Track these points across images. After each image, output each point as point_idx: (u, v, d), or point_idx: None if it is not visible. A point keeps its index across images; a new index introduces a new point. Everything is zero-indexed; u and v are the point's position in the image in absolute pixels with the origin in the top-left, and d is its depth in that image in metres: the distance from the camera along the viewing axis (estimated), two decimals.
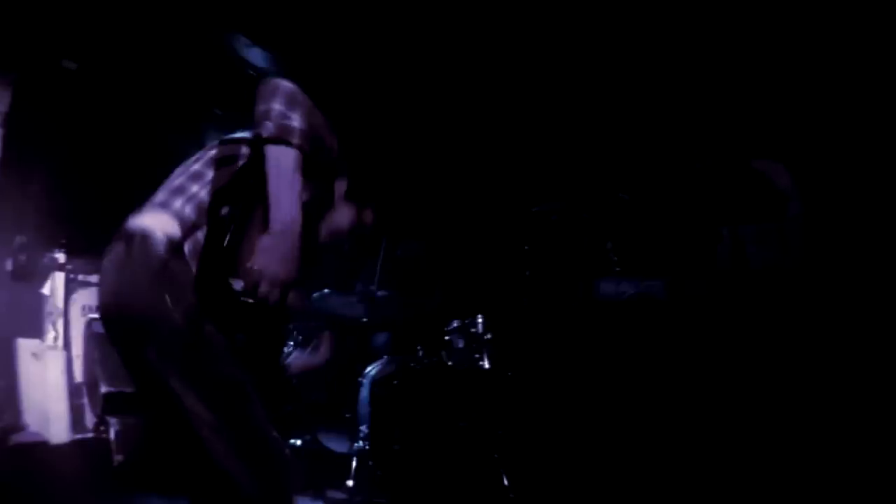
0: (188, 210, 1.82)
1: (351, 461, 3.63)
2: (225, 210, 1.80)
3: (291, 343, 3.87)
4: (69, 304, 4.25)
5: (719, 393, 3.36)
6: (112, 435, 3.82)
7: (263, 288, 1.71)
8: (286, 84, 1.87)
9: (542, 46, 4.34)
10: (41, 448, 3.73)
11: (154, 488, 3.53)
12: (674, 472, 3.39)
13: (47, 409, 3.94)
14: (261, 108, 1.84)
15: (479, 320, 3.72)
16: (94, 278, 4.35)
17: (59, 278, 4.25)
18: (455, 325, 3.77)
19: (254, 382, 1.82)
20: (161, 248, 1.75)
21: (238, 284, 1.71)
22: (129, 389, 3.90)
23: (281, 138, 1.79)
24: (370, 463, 3.55)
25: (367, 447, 3.58)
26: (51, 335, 4.14)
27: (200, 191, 1.86)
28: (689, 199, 3.73)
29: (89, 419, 4.03)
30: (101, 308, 1.88)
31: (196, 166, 1.95)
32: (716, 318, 3.42)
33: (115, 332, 1.86)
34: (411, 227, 4.26)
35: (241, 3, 4.70)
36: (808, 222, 3.45)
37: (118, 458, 3.75)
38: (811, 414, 3.23)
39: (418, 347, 3.83)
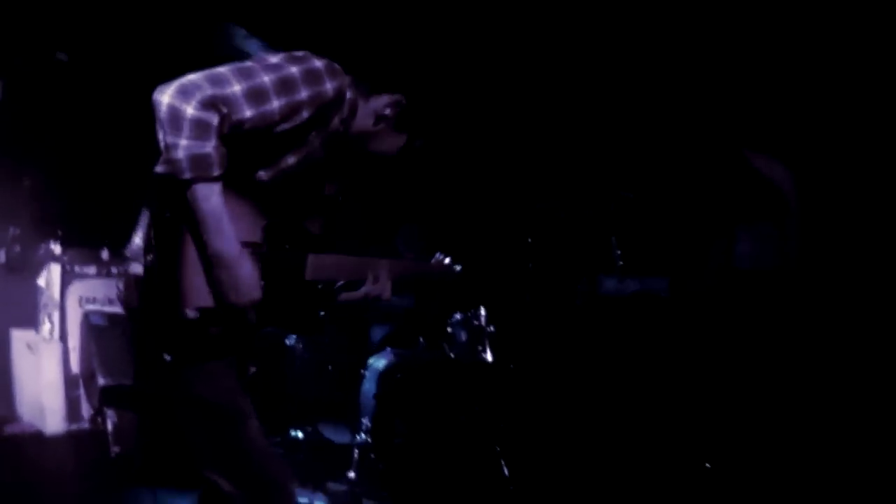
0: None
1: (352, 453, 3.87)
2: (150, 256, 1.78)
3: (294, 336, 4.12)
4: (65, 295, 4.43)
5: (718, 391, 3.62)
6: (109, 427, 4.04)
7: (237, 319, 1.77)
8: (164, 100, 1.69)
9: (552, 43, 4.65)
10: (36, 439, 3.93)
11: (152, 481, 3.74)
12: (671, 468, 3.65)
13: (42, 400, 4.13)
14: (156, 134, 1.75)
15: (482, 313, 3.94)
16: (90, 269, 4.57)
17: (54, 270, 4.45)
18: (457, 317, 3.98)
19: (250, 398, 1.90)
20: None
21: (191, 314, 1.75)
22: (126, 382, 4.15)
23: (173, 178, 1.70)
24: (372, 456, 3.79)
25: (369, 440, 3.83)
26: (46, 327, 4.36)
27: None
28: (692, 196, 4.02)
29: (85, 410, 4.24)
30: None
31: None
32: (716, 318, 3.69)
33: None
34: (414, 215, 4.54)
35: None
36: (804, 222, 3.72)
37: (115, 449, 3.96)
38: (808, 414, 3.50)
39: (420, 339, 4.08)
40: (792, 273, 3.61)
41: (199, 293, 1.75)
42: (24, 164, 4.84)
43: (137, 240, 1.88)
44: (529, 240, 4.07)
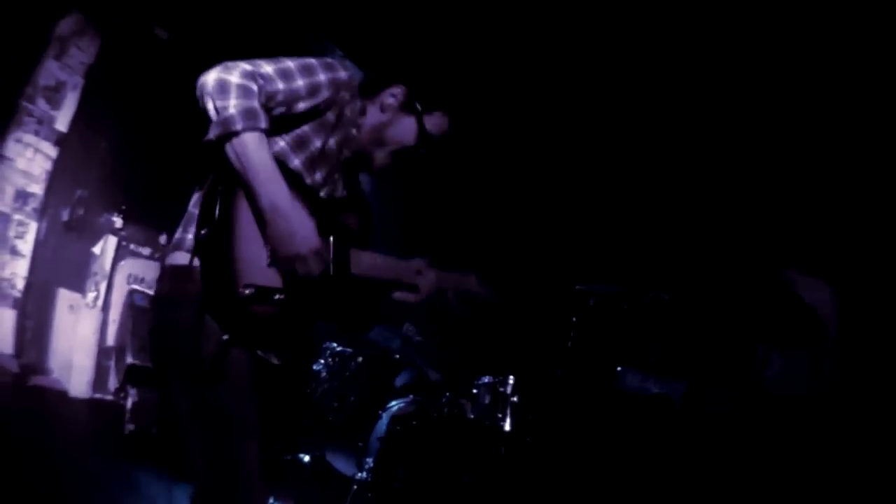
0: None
1: (351, 487, 4.14)
2: (204, 231, 1.90)
3: (322, 362, 4.43)
4: (116, 269, 4.82)
5: None
6: (129, 404, 4.38)
7: (300, 269, 1.93)
8: (210, 77, 1.94)
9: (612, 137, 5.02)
10: (59, 397, 4.26)
11: (158, 464, 4.04)
12: None
13: (73, 361, 4.49)
14: (204, 110, 1.95)
15: (510, 381, 4.20)
16: (145, 250, 4.95)
17: (111, 241, 4.82)
18: (485, 380, 4.24)
19: (259, 412, 2.03)
20: (182, 290, 1.97)
21: (247, 291, 1.87)
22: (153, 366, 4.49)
23: (226, 133, 1.90)
24: (368, 495, 4.05)
25: (368, 479, 4.09)
26: (91, 294, 4.71)
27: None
28: (730, 311, 4.21)
29: (112, 382, 4.60)
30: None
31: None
32: (730, 437, 3.84)
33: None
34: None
35: (341, 18, 5.40)
36: (842, 351, 3.77)
37: (130, 427, 4.30)
38: None
39: (446, 393, 4.33)
40: (822, 403, 3.68)
41: (253, 269, 1.91)
42: (102, 129, 5.19)
43: (179, 232, 2.07)
44: (574, 319, 4.27)
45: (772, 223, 4.30)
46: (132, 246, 4.94)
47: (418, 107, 2.38)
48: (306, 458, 4.31)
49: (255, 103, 1.95)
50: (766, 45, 4.23)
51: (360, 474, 4.13)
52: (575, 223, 5.34)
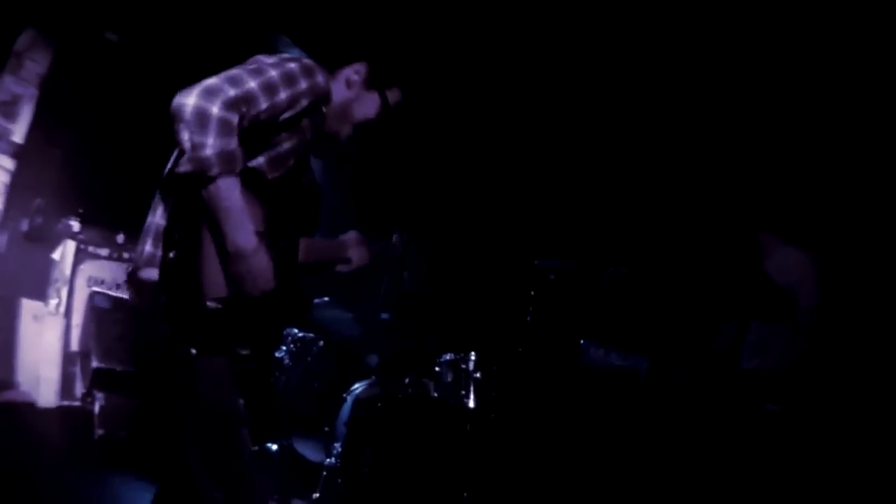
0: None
1: (321, 473, 4.21)
2: (172, 253, 1.96)
3: (284, 349, 4.49)
4: (76, 273, 4.88)
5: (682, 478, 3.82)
6: (96, 408, 4.45)
7: (248, 310, 2.03)
8: (189, 103, 1.92)
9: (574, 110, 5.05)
10: (29, 409, 4.36)
11: (129, 467, 4.12)
12: None
13: (39, 372, 4.57)
14: (177, 137, 1.93)
15: (472, 358, 4.23)
16: (103, 251, 5.02)
17: (70, 246, 4.88)
18: (447, 357, 4.27)
19: (245, 404, 2.15)
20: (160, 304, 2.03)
21: (213, 305, 1.98)
22: (119, 368, 4.56)
23: (201, 174, 1.92)
24: (339, 480, 4.12)
25: (337, 464, 4.16)
26: (53, 301, 4.79)
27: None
28: (694, 284, 4.24)
29: (78, 388, 4.68)
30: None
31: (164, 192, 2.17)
32: (692, 408, 3.86)
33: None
34: (424, 255, 4.89)
35: (288, 6, 5.44)
36: (819, 324, 3.69)
37: (99, 431, 4.37)
38: None
39: (408, 373, 4.38)
40: (796, 375, 3.67)
41: (217, 285, 2.01)
42: (58, 137, 5.24)
43: (148, 247, 2.14)
44: (532, 293, 4.33)
45: (740, 193, 4.29)
46: (91, 248, 5.00)
47: (381, 82, 2.50)
48: (274, 448, 4.38)
49: (234, 143, 1.96)
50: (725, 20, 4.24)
51: (328, 460, 4.19)
52: (533, 198, 5.39)
